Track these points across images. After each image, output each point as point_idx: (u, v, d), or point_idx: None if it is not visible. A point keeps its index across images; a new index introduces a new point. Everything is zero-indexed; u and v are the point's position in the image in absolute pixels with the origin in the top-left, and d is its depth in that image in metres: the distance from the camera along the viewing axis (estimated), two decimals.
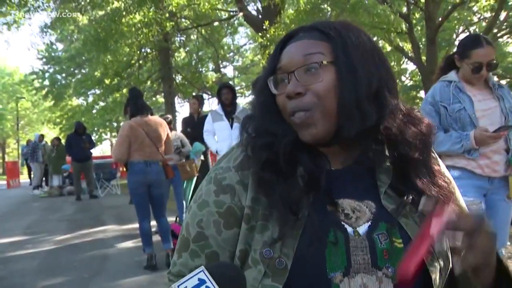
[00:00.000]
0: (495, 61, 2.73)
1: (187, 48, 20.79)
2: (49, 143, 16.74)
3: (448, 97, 2.77)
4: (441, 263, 0.90)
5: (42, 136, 16.84)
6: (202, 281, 0.69)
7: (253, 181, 0.95)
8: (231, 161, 1.00)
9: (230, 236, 0.94)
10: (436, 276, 0.89)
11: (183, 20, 16.55)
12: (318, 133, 0.91)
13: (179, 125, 8.91)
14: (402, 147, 0.94)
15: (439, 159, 1.07)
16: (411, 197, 0.93)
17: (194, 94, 22.61)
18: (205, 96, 22.86)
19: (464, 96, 2.74)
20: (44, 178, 16.70)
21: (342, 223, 0.90)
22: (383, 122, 0.92)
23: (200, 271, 0.70)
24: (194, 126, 7.26)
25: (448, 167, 2.82)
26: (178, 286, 0.68)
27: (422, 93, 20.20)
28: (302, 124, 0.91)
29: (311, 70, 0.90)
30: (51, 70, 26.57)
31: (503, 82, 16.99)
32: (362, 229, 0.90)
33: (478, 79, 2.77)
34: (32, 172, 17.17)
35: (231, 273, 0.77)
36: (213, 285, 0.69)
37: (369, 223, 0.91)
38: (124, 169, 12.83)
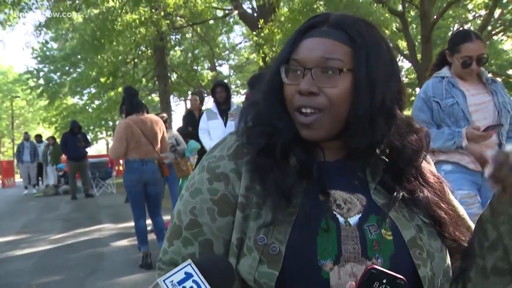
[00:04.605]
0: (485, 56, 2.74)
1: (182, 47, 20.73)
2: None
3: (441, 93, 2.76)
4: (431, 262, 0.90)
5: (27, 135, 16.41)
6: (189, 275, 0.68)
7: (247, 170, 0.95)
8: (224, 150, 1.00)
9: (224, 223, 0.94)
10: (426, 275, 0.89)
11: (178, 18, 16.50)
12: (319, 136, 0.93)
13: (174, 124, 8.81)
14: (401, 159, 0.96)
15: (430, 160, 1.09)
16: (401, 193, 0.94)
17: (191, 91, 22.56)
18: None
19: (457, 91, 2.74)
20: (40, 178, 16.59)
21: (334, 212, 0.91)
22: (388, 136, 0.93)
23: (187, 265, 0.69)
24: (196, 125, 7.13)
25: (441, 161, 2.83)
26: (164, 281, 0.66)
27: (417, 91, 20.23)
28: (307, 125, 0.92)
29: (328, 72, 0.90)
30: (45, 69, 26.45)
31: (498, 80, 17.03)
32: (353, 220, 0.91)
33: (469, 74, 2.76)
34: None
35: (219, 266, 0.76)
36: (200, 279, 0.68)
37: (360, 214, 0.92)
38: (121, 168, 12.82)
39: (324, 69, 0.90)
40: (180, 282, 0.68)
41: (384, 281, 0.77)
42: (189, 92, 22.82)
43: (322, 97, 0.90)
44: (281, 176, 0.91)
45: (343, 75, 0.89)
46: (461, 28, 17.42)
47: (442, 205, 0.98)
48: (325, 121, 0.91)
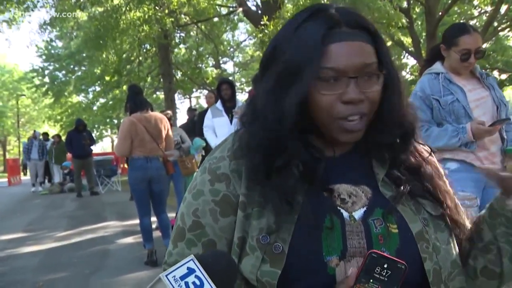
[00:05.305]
0: (482, 49, 2.69)
1: (187, 44, 20.71)
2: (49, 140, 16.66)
3: (439, 90, 2.69)
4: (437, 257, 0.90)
5: (36, 132, 16.57)
6: (191, 270, 0.68)
7: (246, 169, 0.95)
8: (225, 151, 1.00)
9: (227, 224, 0.94)
10: (430, 268, 0.89)
11: (182, 16, 16.48)
12: (358, 138, 0.93)
13: (179, 121, 8.85)
14: (405, 129, 0.97)
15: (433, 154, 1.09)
16: (408, 187, 0.95)
17: (196, 88, 22.54)
18: (205, 92, 22.82)
19: (455, 87, 2.68)
20: (46, 176, 16.67)
21: (338, 208, 0.91)
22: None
23: (190, 260, 0.69)
24: None
25: (447, 159, 2.78)
26: (166, 276, 0.66)
27: None
28: (352, 130, 0.90)
29: (371, 77, 0.90)
30: (51, 67, 26.54)
31: (504, 76, 16.91)
32: (358, 214, 0.91)
33: (466, 67, 2.71)
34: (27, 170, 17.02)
35: (222, 262, 0.76)
36: (202, 274, 0.68)
37: (365, 208, 0.92)
38: (126, 166, 12.92)
39: (368, 75, 0.89)
40: (183, 277, 0.67)
41: (385, 265, 0.78)
42: (194, 90, 22.88)
43: (366, 102, 0.90)
44: (282, 181, 0.90)
45: (379, 77, 0.91)
46: None
47: (444, 193, 1.00)
48: (366, 123, 0.92)
